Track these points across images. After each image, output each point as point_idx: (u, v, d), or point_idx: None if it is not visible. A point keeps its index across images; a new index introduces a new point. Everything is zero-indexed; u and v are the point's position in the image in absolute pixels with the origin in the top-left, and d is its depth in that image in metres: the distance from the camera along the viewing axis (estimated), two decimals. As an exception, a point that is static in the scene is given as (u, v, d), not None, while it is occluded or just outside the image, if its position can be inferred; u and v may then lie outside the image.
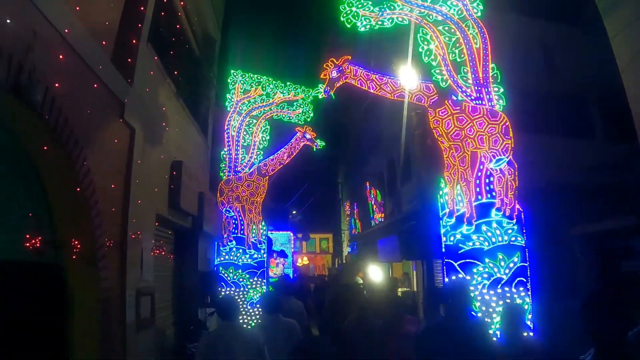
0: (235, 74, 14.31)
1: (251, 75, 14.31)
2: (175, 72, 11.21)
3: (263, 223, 14.21)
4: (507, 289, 8.49)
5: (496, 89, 9.48)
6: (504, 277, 8.54)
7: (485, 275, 8.63)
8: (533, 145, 12.02)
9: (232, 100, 14.12)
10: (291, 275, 29.67)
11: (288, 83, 14.62)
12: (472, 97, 9.38)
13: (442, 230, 9.16)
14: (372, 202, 20.53)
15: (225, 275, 13.07)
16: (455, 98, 9.35)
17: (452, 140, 9.39)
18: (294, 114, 14.82)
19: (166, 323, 10.26)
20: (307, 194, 41.71)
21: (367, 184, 21.85)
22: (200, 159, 13.46)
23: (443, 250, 9.02)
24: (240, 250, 13.34)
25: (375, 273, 18.80)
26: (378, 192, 20.07)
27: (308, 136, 13.94)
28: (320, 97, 10.21)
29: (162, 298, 9.96)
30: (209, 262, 13.32)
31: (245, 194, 13.66)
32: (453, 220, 9.14)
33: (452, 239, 9.01)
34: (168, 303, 10.56)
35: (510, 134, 8.77)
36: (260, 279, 13.41)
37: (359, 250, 21.37)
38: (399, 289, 16.82)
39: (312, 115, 14.90)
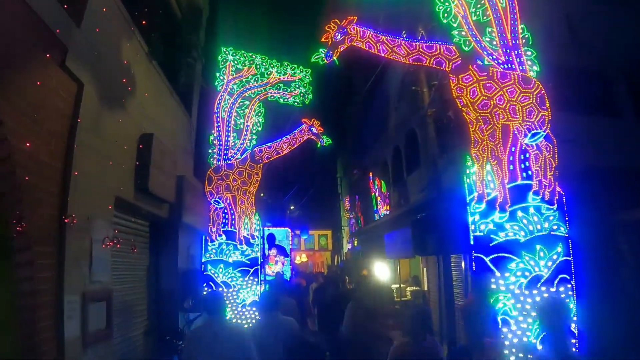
0: (226, 51, 12.97)
1: (244, 54, 13.00)
2: (148, 28, 9.46)
3: (257, 216, 12.71)
4: (547, 288, 7.19)
5: (528, 53, 8.24)
6: (544, 274, 7.22)
7: (521, 273, 7.30)
8: (566, 123, 10.51)
9: (223, 79, 12.81)
10: (288, 274, 28.47)
11: (285, 62, 13.39)
12: (500, 62, 8.13)
13: (470, 219, 7.68)
14: (376, 194, 18.99)
15: (214, 274, 11.60)
16: (480, 63, 8.08)
17: (479, 111, 8.00)
18: (291, 95, 13.52)
19: (136, 334, 8.60)
20: (305, 189, 40.39)
21: (370, 175, 20.32)
22: (181, 138, 11.75)
23: (471, 242, 7.54)
24: (231, 246, 11.92)
25: (381, 270, 17.35)
26: (383, 182, 18.55)
27: (315, 130, 12.64)
28: (321, 62, 8.62)
29: (132, 303, 8.39)
30: (194, 260, 11.73)
31: (237, 183, 12.29)
32: (483, 206, 7.68)
33: (482, 228, 7.55)
34: (141, 308, 8.92)
35: (546, 104, 7.64)
36: (253, 278, 11.89)
37: (363, 246, 19.76)
38: (408, 288, 15.32)
39: (310, 97, 13.63)
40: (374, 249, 16.98)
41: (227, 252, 11.91)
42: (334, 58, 8.63)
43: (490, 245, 7.45)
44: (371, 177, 20.10)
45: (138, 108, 8.14)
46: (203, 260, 11.94)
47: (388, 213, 17.64)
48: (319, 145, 12.92)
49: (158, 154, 8.23)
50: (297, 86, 13.60)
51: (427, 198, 11.76)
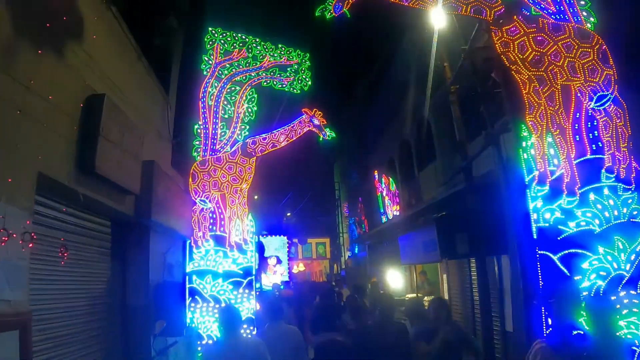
0: (213, 32, 11.49)
1: (234, 35, 11.53)
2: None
3: (250, 217, 10.95)
4: (627, 292, 5.60)
5: (582, 2, 6.93)
6: (626, 272, 5.69)
7: (599, 273, 5.72)
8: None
9: (210, 62, 11.27)
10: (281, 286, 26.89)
11: (280, 45, 11.97)
12: (550, 12, 6.88)
13: (531, 205, 5.95)
14: (384, 194, 17.16)
15: (201, 286, 9.92)
16: (527, 13, 6.78)
17: (531, 69, 6.55)
18: (288, 81, 12.00)
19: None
20: (301, 195, 38.78)
21: (376, 174, 18.50)
22: (152, 116, 9.56)
23: (535, 235, 5.81)
24: (220, 253, 10.30)
25: (393, 278, 15.53)
26: (391, 179, 16.75)
27: (316, 122, 10.99)
28: (328, 16, 6.89)
29: (82, 328, 6.38)
30: (172, 270, 9.86)
31: (226, 179, 10.65)
32: (546, 188, 5.92)
33: (546, 217, 5.81)
34: (95, 334, 6.82)
35: (610, 60, 6.42)
36: (248, 291, 10.11)
37: (369, 252, 17.85)
38: (426, 298, 13.50)
39: (309, 83, 12.13)
40: (384, 255, 15.21)
41: (216, 260, 10.25)
42: (345, 10, 7.01)
43: (559, 238, 5.80)
44: (376, 176, 18.27)
45: (85, 61, 6.12)
46: (187, 270, 10.18)
47: (398, 214, 15.85)
48: (320, 139, 11.21)
49: (113, 124, 6.09)
50: (294, 71, 12.07)
51: (451, 192, 9.99)
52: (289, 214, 43.21)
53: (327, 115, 11.46)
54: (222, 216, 10.52)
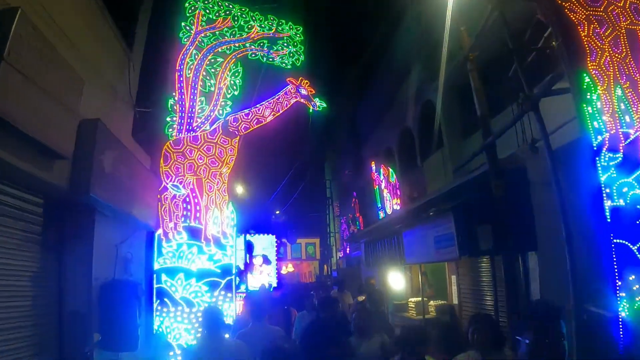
0: None
1: (218, 2, 10.36)
2: None
3: (231, 207, 9.45)
4: None
5: None
6: None
7: None
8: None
9: (190, 30, 9.98)
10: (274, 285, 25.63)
11: (269, 16, 10.84)
12: None
13: (602, 177, 4.36)
14: (382, 186, 15.59)
15: (171, 287, 8.54)
16: None
17: (588, 7, 5.31)
18: (278, 54, 10.77)
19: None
20: (290, 192, 37.18)
21: (373, 165, 16.92)
22: (104, 67, 7.56)
23: (608, 218, 4.19)
24: (195, 249, 8.87)
25: (394, 280, 13.96)
26: (391, 170, 15.17)
27: (304, 92, 10.01)
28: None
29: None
30: (128, 266, 8.19)
31: (204, 162, 9.34)
32: (619, 156, 4.37)
33: (624, 191, 4.26)
34: (16, 346, 5.15)
35: None
36: (226, 293, 8.59)
37: (366, 251, 16.20)
38: (432, 302, 11.92)
39: (302, 58, 10.94)
40: (383, 254, 13.63)
41: (189, 256, 8.82)
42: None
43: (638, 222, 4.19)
44: (373, 167, 16.68)
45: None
46: (155, 267, 8.62)
47: (399, 208, 14.28)
48: (311, 111, 10.23)
49: (29, 51, 4.40)
50: (285, 45, 10.86)
51: (470, 177, 8.40)
52: (277, 212, 41.53)
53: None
54: (197, 205, 9.13)
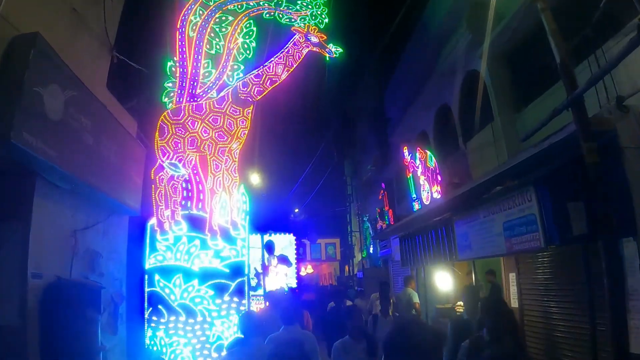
0: None
1: None
2: None
3: (243, 190, 7.58)
4: None
5: None
6: None
7: None
8: None
9: None
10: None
11: None
12: None
13: None
14: (418, 173, 13.57)
15: (166, 290, 6.77)
16: None
17: None
18: (298, 15, 8.93)
19: None
20: (310, 187, 35.58)
21: (405, 150, 14.91)
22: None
23: None
24: (197, 242, 7.07)
25: (440, 280, 11.95)
26: (429, 153, 13.13)
27: (314, 39, 8.47)
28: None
29: None
30: (96, 263, 6.30)
31: (209, 135, 7.59)
32: None
33: None
34: None
35: None
36: (237, 299, 6.74)
37: (402, 248, 14.15)
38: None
39: (326, 21, 9.08)
40: (426, 250, 11.65)
41: (190, 252, 7.01)
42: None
43: None
44: (406, 153, 14.68)
45: None
46: (147, 266, 6.77)
47: (439, 196, 12.29)
48: (327, 59, 8.64)
49: None
50: (306, 5, 9.04)
51: (552, 142, 6.43)
52: (296, 210, 39.85)
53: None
54: (200, 188, 7.28)
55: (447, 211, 10.08)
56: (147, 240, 6.97)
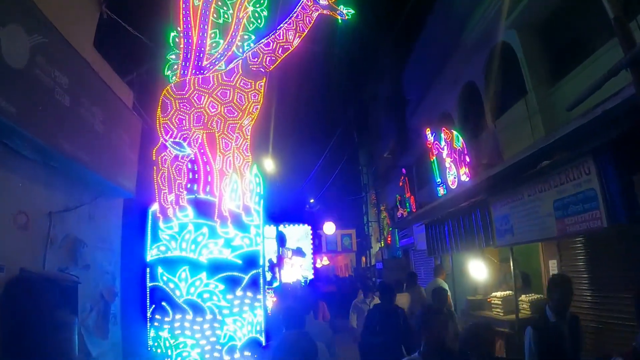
0: None
1: None
2: None
3: (256, 171, 6.75)
4: None
5: None
6: None
7: None
8: None
9: None
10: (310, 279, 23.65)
11: None
12: None
13: None
14: (444, 154, 12.58)
15: (170, 284, 6.00)
16: None
17: None
18: None
19: None
20: (324, 179, 34.85)
21: (428, 132, 13.95)
22: None
23: None
24: (205, 230, 6.23)
25: (474, 269, 10.99)
26: (455, 133, 12.14)
27: (322, 1, 7.64)
28: None
29: None
30: (80, 252, 5.47)
31: (218, 111, 6.78)
32: None
33: None
34: None
35: None
36: (252, 293, 5.90)
37: (429, 235, 13.15)
38: (523, 296, 8.97)
39: None
40: (456, 237, 10.71)
41: (197, 241, 6.19)
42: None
43: None
44: (429, 136, 13.73)
45: None
46: (149, 257, 5.95)
47: (468, 179, 11.35)
48: (340, 21, 7.77)
49: None
50: None
51: (597, 115, 5.53)
52: (312, 200, 39.10)
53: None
54: (208, 169, 6.55)
55: (482, 193, 9.13)
56: (149, 229, 6.17)
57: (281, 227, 25.50)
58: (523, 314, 8.70)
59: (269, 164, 19.33)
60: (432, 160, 13.58)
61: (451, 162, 11.99)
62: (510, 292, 9.35)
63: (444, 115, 15.23)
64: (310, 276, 26.67)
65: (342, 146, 34.52)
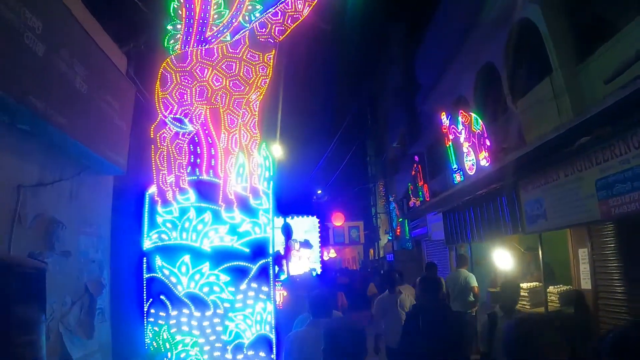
0: None
1: None
2: None
3: (265, 150, 6.11)
4: None
5: None
6: None
7: None
8: None
9: None
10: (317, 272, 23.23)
11: None
12: None
13: None
14: (461, 139, 11.80)
15: (169, 276, 5.39)
16: None
17: None
18: None
19: None
20: (331, 171, 34.38)
21: (443, 117, 13.20)
22: None
23: None
24: (208, 215, 5.61)
25: (499, 259, 10.26)
26: (474, 116, 11.42)
27: None
28: None
29: None
30: (56, 234, 4.81)
31: (222, 84, 6.12)
32: None
33: None
34: None
35: None
36: (259, 286, 5.25)
37: (447, 223, 12.41)
38: (551, 288, 8.30)
39: None
40: (478, 224, 10.02)
41: (199, 228, 5.56)
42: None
43: None
44: (444, 120, 12.97)
45: None
46: (146, 245, 5.35)
47: (487, 164, 10.64)
48: None
49: None
50: None
51: None
52: (319, 192, 38.56)
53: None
54: (212, 148, 5.81)
55: (509, 176, 8.45)
56: (146, 214, 5.56)
57: (288, 219, 24.98)
58: (551, 307, 8.07)
59: (277, 150, 18.62)
60: (447, 145, 12.91)
61: (469, 147, 11.31)
62: (537, 283, 8.71)
63: (459, 100, 14.55)
64: (319, 269, 26.21)
65: (350, 136, 34.08)
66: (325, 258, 36.45)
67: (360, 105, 33.94)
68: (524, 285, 8.74)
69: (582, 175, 6.30)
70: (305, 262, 23.75)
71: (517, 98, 10.82)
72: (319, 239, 30.25)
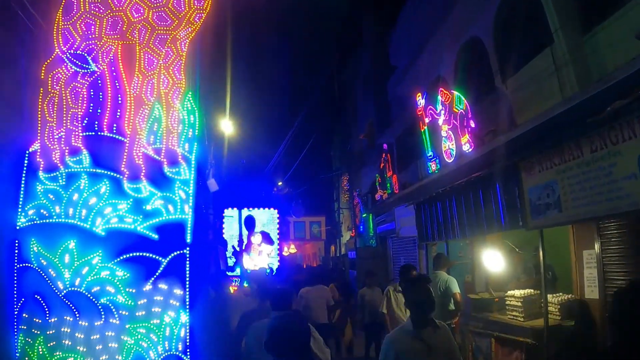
0: None
1: None
2: None
3: (191, 99, 4.57)
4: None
5: None
6: None
7: None
8: None
9: None
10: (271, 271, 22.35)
11: None
12: None
13: None
14: (440, 122, 10.44)
15: (49, 270, 3.79)
16: None
17: None
18: None
19: None
20: (293, 161, 33.39)
21: (418, 98, 11.82)
22: None
23: None
24: (105, 186, 4.13)
25: (491, 260, 8.80)
26: (456, 94, 10.01)
27: None
28: None
29: None
30: None
31: (143, 16, 4.77)
32: None
33: None
34: None
35: None
36: (170, 287, 3.72)
37: (420, 218, 11.14)
38: (550, 297, 6.98)
39: None
40: (464, 218, 8.67)
41: (92, 202, 4.16)
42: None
43: None
44: (420, 102, 11.54)
45: None
46: (18, 225, 3.82)
47: (471, 149, 9.29)
48: None
49: None
50: None
51: None
52: (280, 183, 37.40)
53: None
54: (119, 95, 4.29)
55: (503, 159, 7.04)
56: (23, 179, 4.04)
57: (245, 211, 24.02)
58: (551, 320, 6.74)
59: (227, 126, 16.96)
60: (422, 130, 11.55)
61: (449, 130, 9.95)
62: (533, 290, 7.35)
63: (436, 81, 13.21)
64: (277, 264, 25.30)
65: (315, 125, 33.18)
66: (285, 253, 35.35)
67: (326, 93, 32.99)
68: (515, 292, 7.33)
69: (617, 149, 4.85)
70: (265, 257, 22.59)
71: (508, 76, 9.57)
72: (278, 233, 29.15)
